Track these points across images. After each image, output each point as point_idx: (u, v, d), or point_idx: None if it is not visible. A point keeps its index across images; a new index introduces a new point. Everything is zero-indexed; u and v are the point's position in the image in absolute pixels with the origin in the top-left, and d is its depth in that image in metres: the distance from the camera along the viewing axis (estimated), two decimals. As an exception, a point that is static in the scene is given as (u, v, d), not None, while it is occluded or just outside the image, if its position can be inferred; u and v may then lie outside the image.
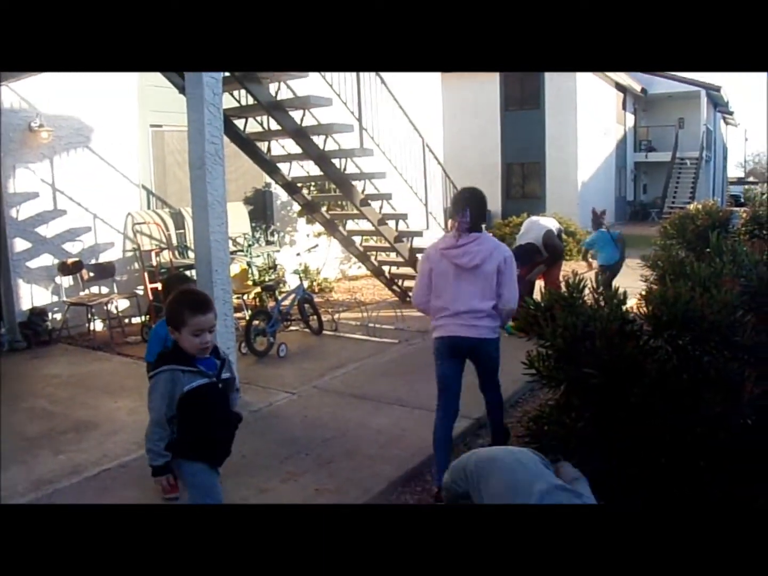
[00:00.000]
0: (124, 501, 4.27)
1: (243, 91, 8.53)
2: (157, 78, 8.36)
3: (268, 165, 9.65)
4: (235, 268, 9.06)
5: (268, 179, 10.80)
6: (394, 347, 7.94)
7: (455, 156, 18.85)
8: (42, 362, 7.69)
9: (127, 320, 9.29)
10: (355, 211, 9.66)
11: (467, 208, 4.38)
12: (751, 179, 59.56)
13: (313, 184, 10.69)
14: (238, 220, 10.22)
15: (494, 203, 23.26)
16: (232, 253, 8.36)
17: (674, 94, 30.03)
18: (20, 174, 8.46)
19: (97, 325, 8.96)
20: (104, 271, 9.10)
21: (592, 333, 3.65)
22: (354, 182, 9.23)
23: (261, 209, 11.85)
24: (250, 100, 8.36)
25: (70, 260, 8.73)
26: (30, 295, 8.65)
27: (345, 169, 9.22)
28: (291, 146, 9.39)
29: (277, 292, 8.83)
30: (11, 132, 8.31)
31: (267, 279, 10.14)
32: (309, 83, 8.89)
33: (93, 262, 9.15)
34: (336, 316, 9.29)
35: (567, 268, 9.41)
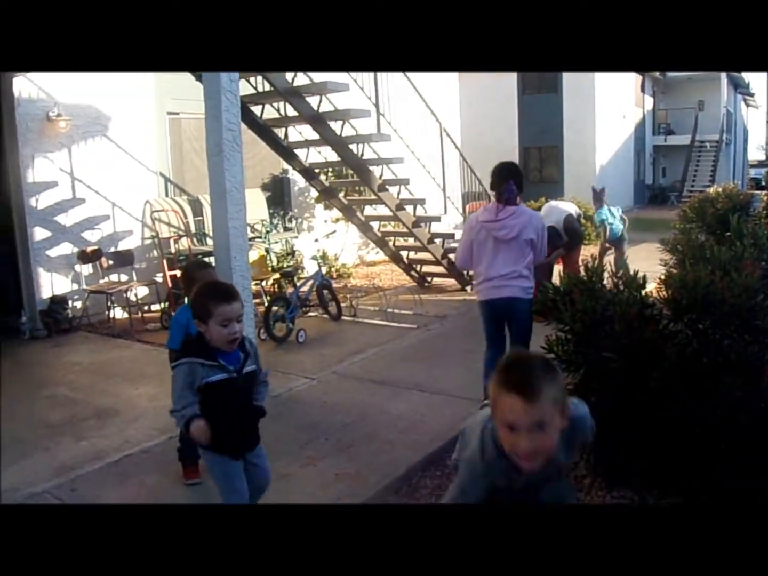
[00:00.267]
0: (145, 486, 4.33)
1: (260, 78, 8.54)
2: (173, 66, 8.35)
3: (286, 151, 9.65)
4: (253, 255, 9.08)
5: (286, 165, 10.80)
6: (413, 332, 7.94)
7: (472, 141, 18.75)
8: (63, 350, 7.76)
9: (146, 307, 9.34)
10: (373, 197, 9.64)
11: (510, 181, 4.86)
12: (772, 161, 58.90)
13: (330, 169, 10.69)
14: (256, 206, 10.23)
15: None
16: (251, 239, 8.36)
17: (694, 76, 29.58)
18: (39, 163, 8.50)
19: (117, 313, 9.02)
20: (123, 259, 9.16)
21: (611, 317, 3.63)
22: (371, 167, 9.21)
23: (279, 195, 11.86)
24: (267, 87, 8.36)
25: (89, 248, 8.78)
26: (50, 284, 8.70)
27: (362, 155, 9.20)
28: (308, 132, 9.39)
29: (295, 279, 8.85)
30: (29, 122, 8.35)
31: (285, 265, 10.16)
32: (325, 69, 8.86)
33: (112, 250, 9.20)
34: (354, 301, 9.29)
35: (586, 252, 9.46)
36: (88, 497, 4.18)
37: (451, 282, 10.54)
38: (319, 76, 8.92)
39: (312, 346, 7.50)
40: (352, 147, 8.94)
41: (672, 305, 3.67)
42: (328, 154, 9.92)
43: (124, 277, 9.33)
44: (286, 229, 11.42)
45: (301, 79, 9.08)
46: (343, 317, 8.66)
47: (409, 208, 9.70)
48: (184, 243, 9.34)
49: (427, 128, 10.55)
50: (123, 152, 9.32)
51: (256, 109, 9.07)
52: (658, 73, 28.92)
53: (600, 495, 3.88)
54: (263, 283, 9.52)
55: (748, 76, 32.04)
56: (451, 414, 5.14)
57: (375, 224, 10.66)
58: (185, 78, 7.99)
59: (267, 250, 9.99)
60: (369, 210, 10.84)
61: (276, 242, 10.42)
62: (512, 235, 4.87)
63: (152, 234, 9.53)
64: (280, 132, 9.58)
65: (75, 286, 8.90)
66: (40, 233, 8.59)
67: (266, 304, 7.97)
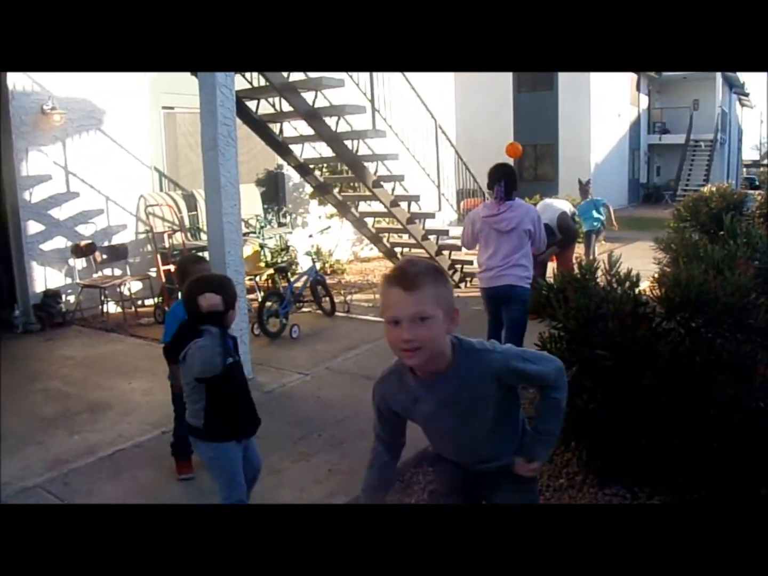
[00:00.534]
0: (138, 481, 4.32)
1: (255, 73, 8.52)
2: (169, 60, 8.33)
3: (280, 147, 9.63)
4: (247, 250, 9.07)
5: (281, 161, 10.77)
6: (406, 329, 7.90)
7: (468, 138, 18.74)
8: (56, 344, 7.74)
9: (140, 302, 9.33)
10: (368, 193, 9.63)
11: (503, 180, 5.29)
12: (766, 162, 59.05)
13: (325, 165, 10.67)
14: (250, 201, 10.20)
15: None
16: (245, 234, 8.36)
17: (689, 76, 29.70)
18: (33, 157, 8.47)
19: (111, 307, 9.00)
20: (117, 253, 9.13)
21: (604, 315, 3.64)
22: (366, 164, 9.20)
23: (273, 191, 11.84)
24: (262, 82, 8.35)
25: (83, 242, 8.76)
26: (43, 278, 8.68)
27: (357, 151, 9.18)
28: (303, 128, 9.37)
29: (289, 274, 8.85)
30: (24, 115, 8.32)
31: (279, 260, 10.14)
32: (321, 64, 8.84)
33: (106, 244, 9.16)
34: (348, 297, 9.30)
35: (579, 250, 9.48)
36: (80, 491, 4.17)
37: (445, 279, 10.50)
38: (314, 72, 8.91)
39: (305, 342, 7.50)
40: (347, 143, 8.92)
41: (665, 303, 3.68)
42: (322, 149, 9.90)
43: (117, 272, 9.30)
44: (280, 224, 11.40)
45: (296, 74, 9.07)
46: (337, 313, 8.65)
47: (404, 205, 9.68)
48: (178, 238, 9.32)
49: (422, 125, 10.54)
50: (117, 146, 9.29)
51: (252, 104, 9.05)
52: (653, 72, 28.96)
53: (592, 492, 3.88)
54: (257, 278, 9.50)
55: (743, 76, 32.16)
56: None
57: (369, 220, 10.64)
58: (180, 73, 7.98)
59: (261, 246, 9.97)
60: (363, 206, 10.83)
61: (270, 238, 10.40)
62: (511, 227, 5.27)
63: (146, 228, 9.51)
64: (275, 127, 9.55)
65: (68, 280, 8.88)
66: (33, 227, 8.56)
67: (260, 299, 7.97)
